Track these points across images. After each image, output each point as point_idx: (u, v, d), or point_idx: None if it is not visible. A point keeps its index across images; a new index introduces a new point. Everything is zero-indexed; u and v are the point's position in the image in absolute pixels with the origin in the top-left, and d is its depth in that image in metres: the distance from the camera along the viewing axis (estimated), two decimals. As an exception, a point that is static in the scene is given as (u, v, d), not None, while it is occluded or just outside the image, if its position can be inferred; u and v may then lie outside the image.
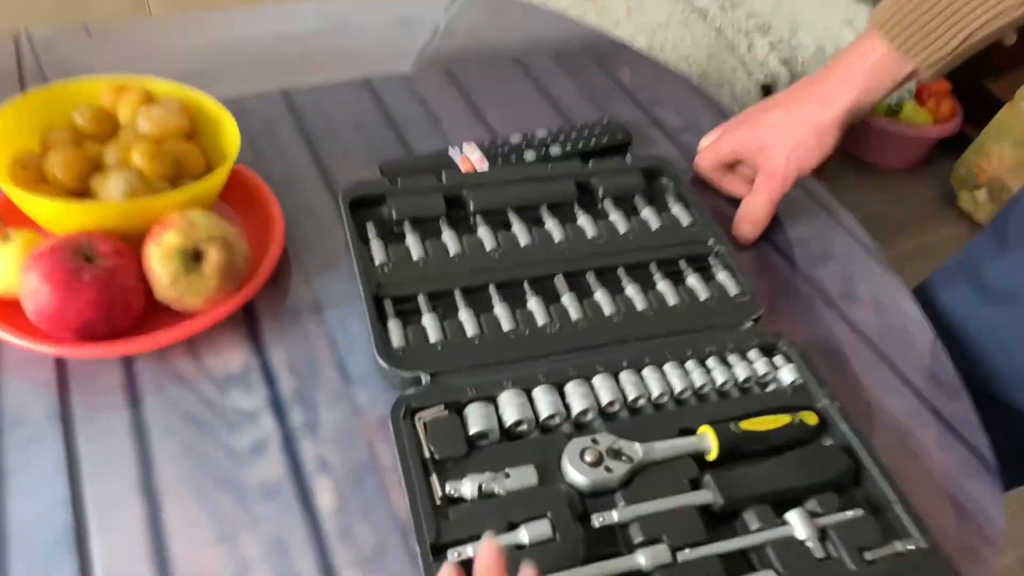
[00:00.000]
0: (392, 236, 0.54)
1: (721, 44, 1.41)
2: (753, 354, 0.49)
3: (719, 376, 0.47)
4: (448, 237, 0.53)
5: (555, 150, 0.62)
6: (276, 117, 0.64)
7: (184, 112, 0.52)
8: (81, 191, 0.49)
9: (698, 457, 0.43)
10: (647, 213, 0.57)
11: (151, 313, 0.46)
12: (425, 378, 0.45)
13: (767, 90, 1.46)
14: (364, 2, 0.80)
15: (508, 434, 0.44)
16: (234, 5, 1.12)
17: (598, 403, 0.45)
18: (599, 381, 0.46)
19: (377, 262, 0.51)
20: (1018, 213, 0.59)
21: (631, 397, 0.46)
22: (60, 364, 0.46)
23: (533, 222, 0.56)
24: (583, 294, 0.52)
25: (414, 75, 0.71)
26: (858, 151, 1.90)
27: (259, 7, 0.76)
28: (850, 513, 0.41)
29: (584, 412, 0.45)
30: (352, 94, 0.68)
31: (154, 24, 0.76)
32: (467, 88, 0.70)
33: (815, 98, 0.55)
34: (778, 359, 0.49)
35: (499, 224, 0.55)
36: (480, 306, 0.50)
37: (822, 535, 0.40)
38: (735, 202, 0.61)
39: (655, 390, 0.46)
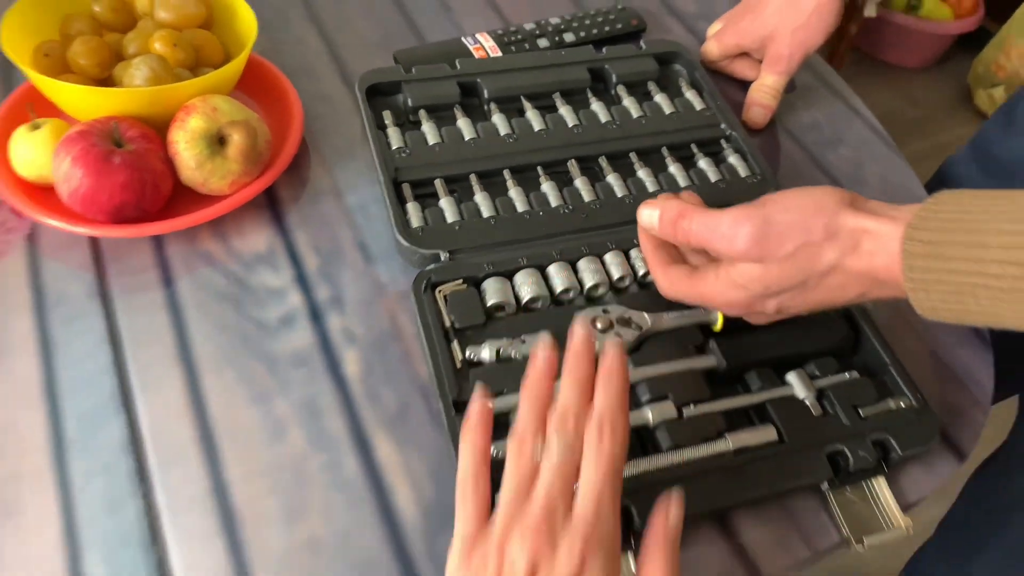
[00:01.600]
0: (408, 123, 0.55)
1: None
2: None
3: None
4: (463, 124, 0.54)
5: (568, 37, 0.63)
6: (288, 7, 0.65)
7: (200, 1, 0.53)
8: (104, 79, 0.50)
9: (704, 328, 0.45)
10: (660, 99, 0.58)
11: (178, 197, 0.48)
12: (444, 256, 0.47)
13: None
14: None
15: (524, 308, 0.46)
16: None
17: (609, 278, 0.47)
18: (610, 258, 0.48)
19: (394, 147, 0.52)
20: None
21: (641, 272, 0.47)
22: (95, 246, 0.48)
23: (547, 109, 0.56)
24: (595, 178, 0.53)
25: (425, -34, 0.71)
26: (874, 50, 1.86)
27: None
28: (847, 375, 0.44)
29: (596, 287, 0.47)
30: (364, -13, 0.68)
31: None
32: (479, -22, 0.70)
33: None
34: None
35: (513, 111, 0.56)
36: (495, 190, 0.51)
37: (820, 395, 0.43)
38: (746, 86, 0.61)
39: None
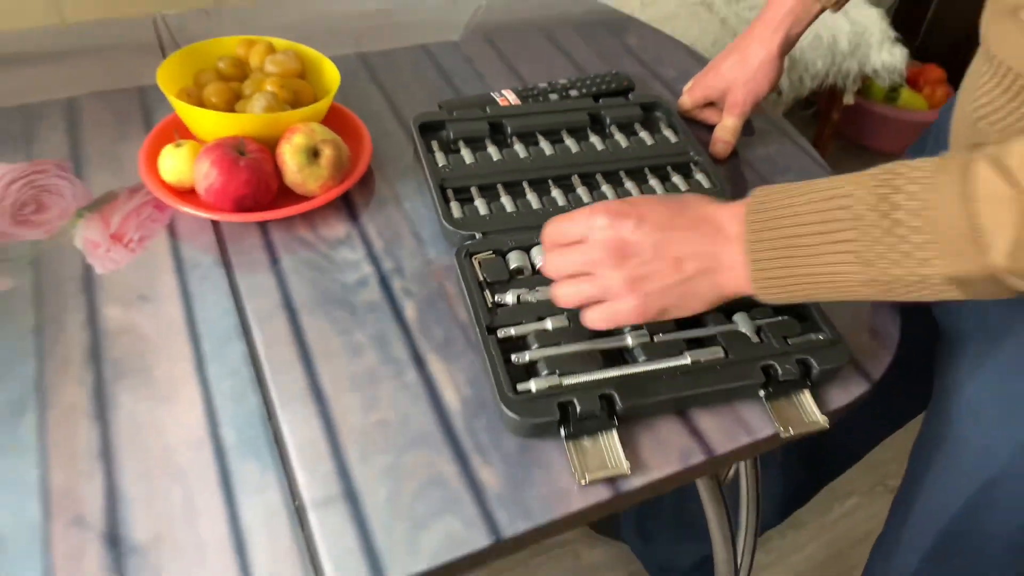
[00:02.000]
0: (450, 151, 0.72)
1: (726, 32, 1.58)
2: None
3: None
4: (492, 150, 0.71)
5: (573, 93, 0.80)
6: (356, 72, 0.83)
7: (297, 58, 0.71)
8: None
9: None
10: (644, 135, 0.75)
11: (282, 195, 0.65)
12: (478, 235, 0.63)
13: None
14: (420, -12, 0.99)
15: (536, 272, 0.61)
16: None
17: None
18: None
19: (440, 165, 0.69)
20: (935, 132, 0.76)
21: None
22: (218, 229, 0.65)
23: (555, 140, 0.73)
24: (592, 187, 0.69)
25: (462, 42, 0.90)
26: (857, 136, 2.05)
27: (337, -7, 0.96)
28: (779, 317, 0.58)
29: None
30: (413, 56, 0.87)
31: (254, 8, 0.96)
32: (504, 51, 0.89)
33: (755, 41, 0.72)
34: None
35: (530, 142, 0.73)
36: (515, 194, 0.68)
37: (758, 330, 0.57)
38: (712, 129, 0.78)
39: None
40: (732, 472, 0.81)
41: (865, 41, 1.66)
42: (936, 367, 0.66)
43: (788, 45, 0.72)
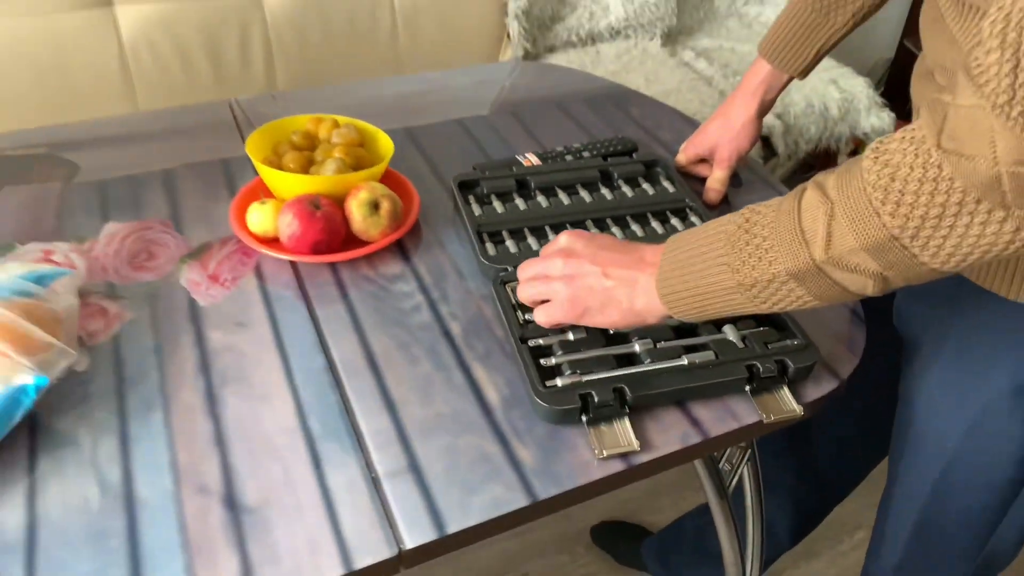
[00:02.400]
0: (484, 203, 0.86)
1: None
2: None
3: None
4: (519, 202, 0.85)
5: (585, 154, 0.95)
6: (403, 142, 0.98)
7: (357, 131, 0.86)
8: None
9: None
10: (646, 186, 0.89)
11: (348, 241, 0.79)
12: (509, 268, 0.76)
13: (764, 140, 1.77)
14: (454, 72, 1.16)
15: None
16: (338, 80, 1.50)
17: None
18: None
19: (476, 214, 0.83)
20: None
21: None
22: (296, 269, 0.79)
23: (572, 193, 0.88)
24: (603, 229, 0.83)
25: (490, 116, 1.05)
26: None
27: (383, 79, 1.12)
28: (760, 327, 0.70)
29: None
30: (449, 128, 1.02)
31: (314, 91, 1.12)
32: (525, 122, 1.04)
33: (736, 106, 0.87)
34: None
35: (550, 195, 0.87)
36: (539, 236, 0.81)
37: (743, 338, 0.70)
38: (704, 182, 0.92)
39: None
40: (735, 481, 0.91)
41: (854, 107, 1.82)
42: (901, 373, 0.78)
43: (764, 109, 0.87)
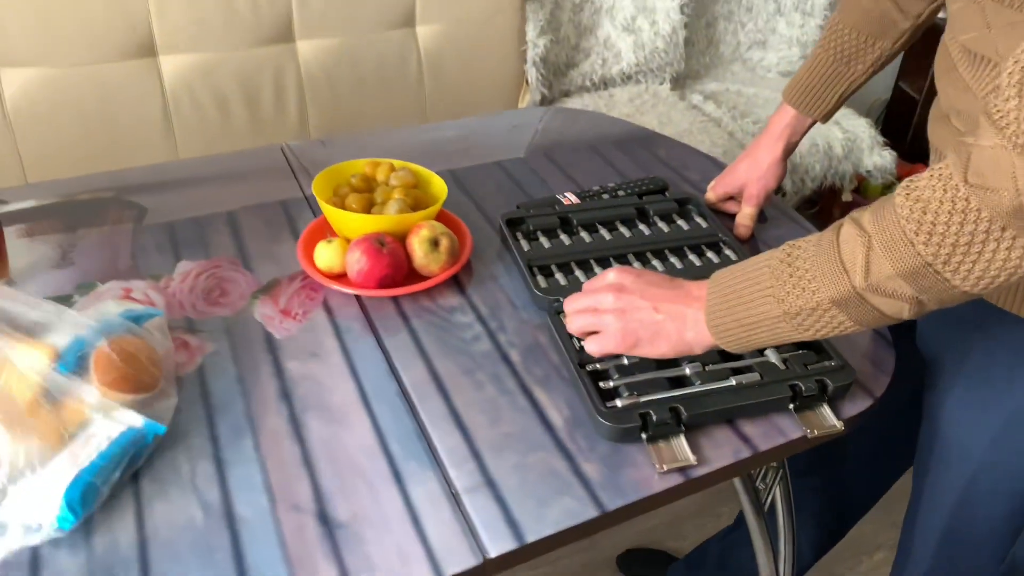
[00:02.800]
0: (531, 239, 0.92)
1: (733, 144, 1.81)
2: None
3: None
4: (563, 238, 0.91)
5: (621, 193, 1.01)
6: (450, 184, 1.04)
7: (412, 174, 0.92)
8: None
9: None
10: (680, 223, 0.95)
11: (411, 276, 0.85)
12: (562, 299, 0.81)
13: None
14: (489, 118, 1.23)
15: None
16: (368, 125, 1.57)
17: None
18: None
19: (525, 249, 0.89)
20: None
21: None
22: (361, 303, 0.84)
23: (611, 229, 0.94)
24: (644, 263, 0.89)
25: (527, 158, 1.12)
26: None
27: (422, 125, 1.19)
28: (800, 351, 0.76)
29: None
30: (491, 170, 1.08)
31: (359, 137, 1.19)
32: (560, 163, 1.11)
33: (763, 148, 0.93)
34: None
35: (591, 231, 0.93)
36: (585, 269, 0.87)
37: (784, 361, 0.75)
38: (734, 218, 0.98)
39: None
40: (769, 500, 0.96)
41: (857, 147, 1.90)
42: (924, 392, 0.83)
43: (789, 150, 0.93)
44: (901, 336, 0.83)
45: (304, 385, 0.74)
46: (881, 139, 1.92)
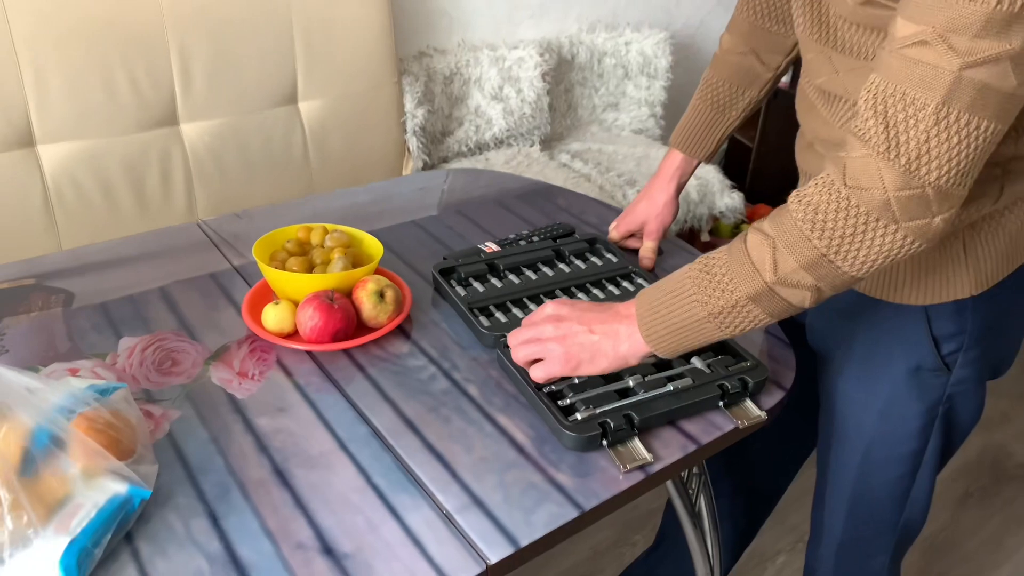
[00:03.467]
0: (465, 285, 0.99)
1: (604, 196, 1.98)
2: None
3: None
4: (494, 281, 1.00)
5: (535, 239, 1.11)
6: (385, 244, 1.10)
7: (346, 235, 0.98)
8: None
9: (646, 350, 0.89)
10: (593, 259, 1.06)
11: (360, 328, 0.90)
12: (506, 335, 0.89)
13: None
14: (396, 181, 1.30)
15: (552, 354, 0.88)
16: (255, 203, 1.59)
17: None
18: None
19: (462, 294, 0.96)
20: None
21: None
22: (314, 357, 0.88)
23: (533, 270, 1.03)
24: (571, 295, 0.98)
25: (440, 215, 1.20)
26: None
27: (335, 192, 1.24)
28: (719, 356, 0.87)
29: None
30: (409, 229, 1.15)
31: (273, 208, 1.22)
32: (472, 217, 1.19)
33: (657, 188, 1.06)
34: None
35: (517, 273, 1.02)
36: (520, 306, 0.95)
37: (708, 366, 0.86)
38: (636, 252, 1.10)
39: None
40: (697, 507, 1.06)
41: (709, 191, 2.11)
42: (819, 380, 0.97)
43: (680, 189, 1.07)
44: (793, 334, 0.96)
45: (279, 438, 0.77)
46: (729, 182, 2.15)
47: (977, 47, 0.58)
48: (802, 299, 0.71)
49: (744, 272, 0.71)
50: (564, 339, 0.79)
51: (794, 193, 0.70)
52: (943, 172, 0.62)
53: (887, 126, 0.63)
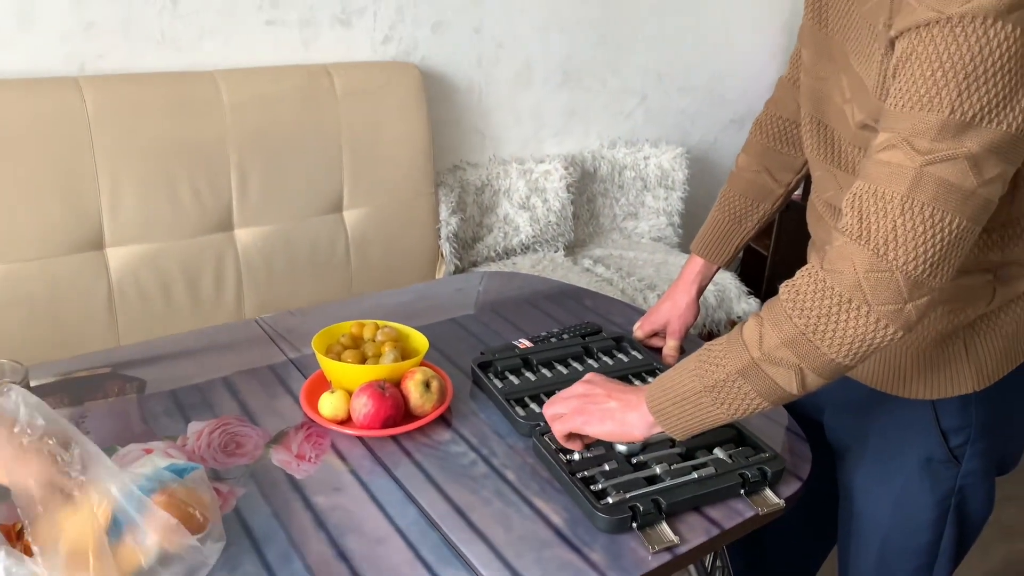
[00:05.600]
0: (501, 378, 1.08)
1: (626, 299, 2.07)
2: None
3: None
4: (528, 375, 1.08)
5: (565, 336, 1.20)
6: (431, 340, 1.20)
7: (395, 331, 1.07)
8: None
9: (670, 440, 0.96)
10: (620, 356, 1.14)
11: (406, 416, 0.98)
12: (542, 424, 0.96)
13: (663, 324, 2.10)
14: (435, 283, 1.40)
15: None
16: (299, 303, 1.70)
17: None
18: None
19: (499, 386, 1.04)
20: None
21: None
22: (364, 442, 0.96)
23: (566, 365, 1.11)
24: (600, 391, 1.06)
25: (476, 315, 1.30)
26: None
27: (380, 293, 1.35)
28: (739, 448, 0.94)
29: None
30: (448, 326, 1.25)
31: (324, 307, 1.32)
32: (506, 316, 1.29)
33: (680, 291, 1.15)
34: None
35: (550, 368, 1.10)
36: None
37: (731, 456, 0.93)
38: (660, 350, 1.19)
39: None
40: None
41: (727, 296, 2.20)
42: (838, 476, 1.03)
43: (700, 292, 1.16)
44: (812, 431, 1.03)
45: (335, 515, 0.84)
46: (745, 288, 2.24)
47: (936, 147, 0.67)
48: (788, 380, 0.76)
49: (735, 349, 0.78)
50: (585, 398, 0.88)
51: (784, 281, 0.78)
52: (911, 258, 0.69)
53: (860, 217, 0.71)
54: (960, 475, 0.92)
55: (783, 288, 0.77)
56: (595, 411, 0.86)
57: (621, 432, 0.86)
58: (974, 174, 0.67)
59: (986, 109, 0.66)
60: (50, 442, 0.73)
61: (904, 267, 0.69)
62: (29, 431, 0.72)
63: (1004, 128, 0.66)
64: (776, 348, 0.75)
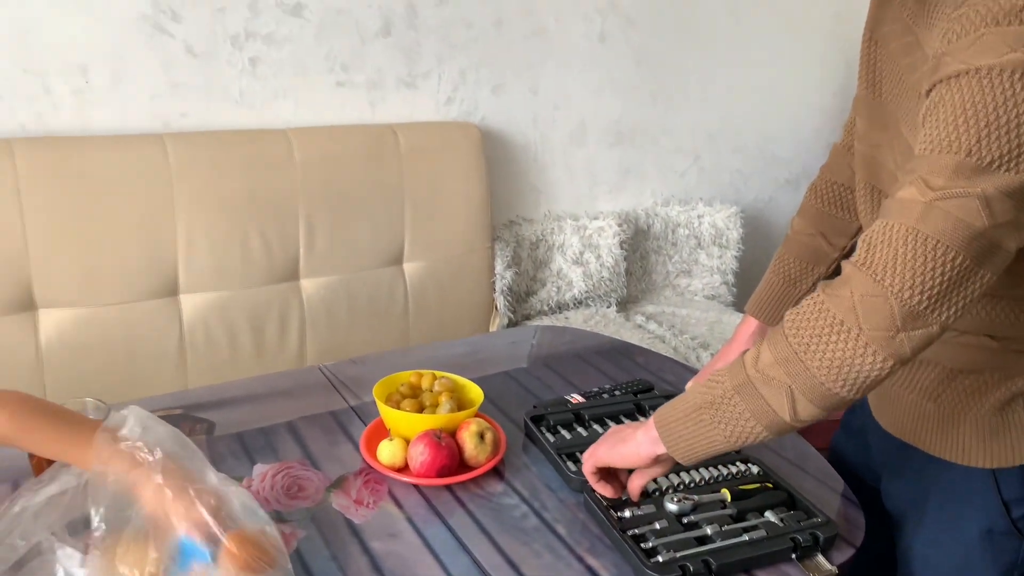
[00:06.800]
0: (553, 432, 1.10)
1: (678, 357, 2.08)
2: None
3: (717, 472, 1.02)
4: (580, 430, 1.10)
5: (617, 393, 1.22)
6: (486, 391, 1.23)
7: (452, 381, 1.11)
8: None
9: (722, 501, 0.96)
10: (671, 415, 1.15)
11: (460, 466, 1.00)
12: (593, 479, 0.98)
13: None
14: (490, 336, 1.44)
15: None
16: (357, 351, 1.75)
17: (675, 483, 0.99)
18: (674, 477, 1.00)
19: (551, 440, 1.07)
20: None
21: (687, 480, 1.00)
22: (420, 490, 0.98)
23: (617, 421, 1.13)
24: (651, 448, 1.08)
25: (529, 368, 1.33)
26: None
27: (435, 344, 1.39)
28: (792, 512, 0.94)
29: (673, 485, 0.98)
30: (502, 379, 1.28)
31: (382, 356, 1.37)
32: (558, 371, 1.32)
33: (734, 351, 1.15)
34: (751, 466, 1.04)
35: (602, 424, 1.12)
36: (605, 455, 1.05)
37: (782, 520, 0.93)
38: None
39: (696, 476, 1.00)
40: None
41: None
42: (896, 542, 1.02)
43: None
44: (870, 498, 1.02)
45: (391, 560, 0.87)
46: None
47: (949, 184, 0.68)
48: (779, 403, 0.75)
49: (736, 367, 0.79)
50: (612, 434, 0.91)
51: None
52: (907, 285, 0.69)
53: (868, 247, 0.73)
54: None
55: (788, 313, 0.78)
56: (612, 439, 0.89)
57: (627, 451, 0.87)
58: (985, 215, 0.68)
59: (1005, 157, 0.67)
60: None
61: (899, 294, 0.69)
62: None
63: (1021, 177, 0.67)
64: (769, 366, 0.75)
